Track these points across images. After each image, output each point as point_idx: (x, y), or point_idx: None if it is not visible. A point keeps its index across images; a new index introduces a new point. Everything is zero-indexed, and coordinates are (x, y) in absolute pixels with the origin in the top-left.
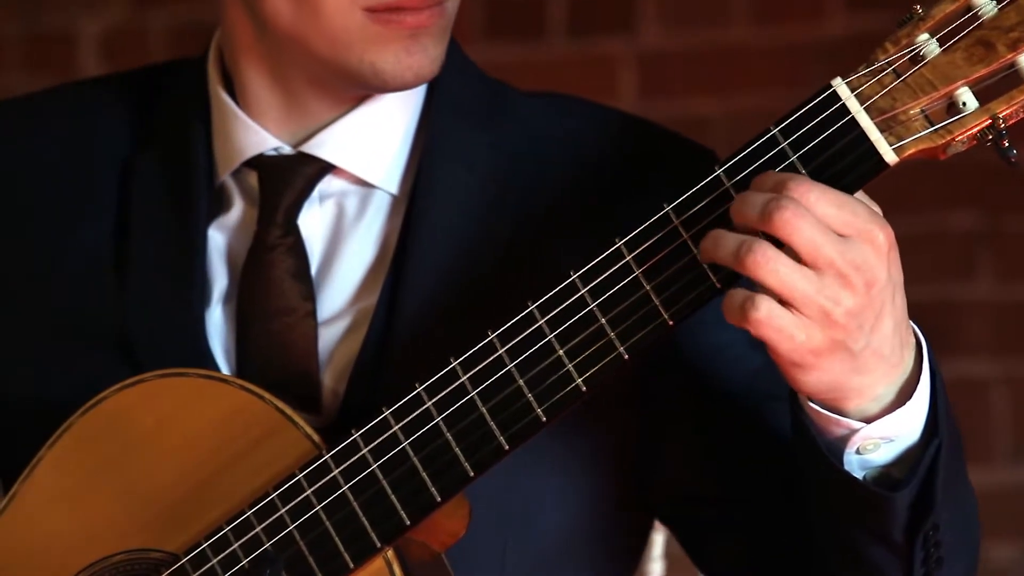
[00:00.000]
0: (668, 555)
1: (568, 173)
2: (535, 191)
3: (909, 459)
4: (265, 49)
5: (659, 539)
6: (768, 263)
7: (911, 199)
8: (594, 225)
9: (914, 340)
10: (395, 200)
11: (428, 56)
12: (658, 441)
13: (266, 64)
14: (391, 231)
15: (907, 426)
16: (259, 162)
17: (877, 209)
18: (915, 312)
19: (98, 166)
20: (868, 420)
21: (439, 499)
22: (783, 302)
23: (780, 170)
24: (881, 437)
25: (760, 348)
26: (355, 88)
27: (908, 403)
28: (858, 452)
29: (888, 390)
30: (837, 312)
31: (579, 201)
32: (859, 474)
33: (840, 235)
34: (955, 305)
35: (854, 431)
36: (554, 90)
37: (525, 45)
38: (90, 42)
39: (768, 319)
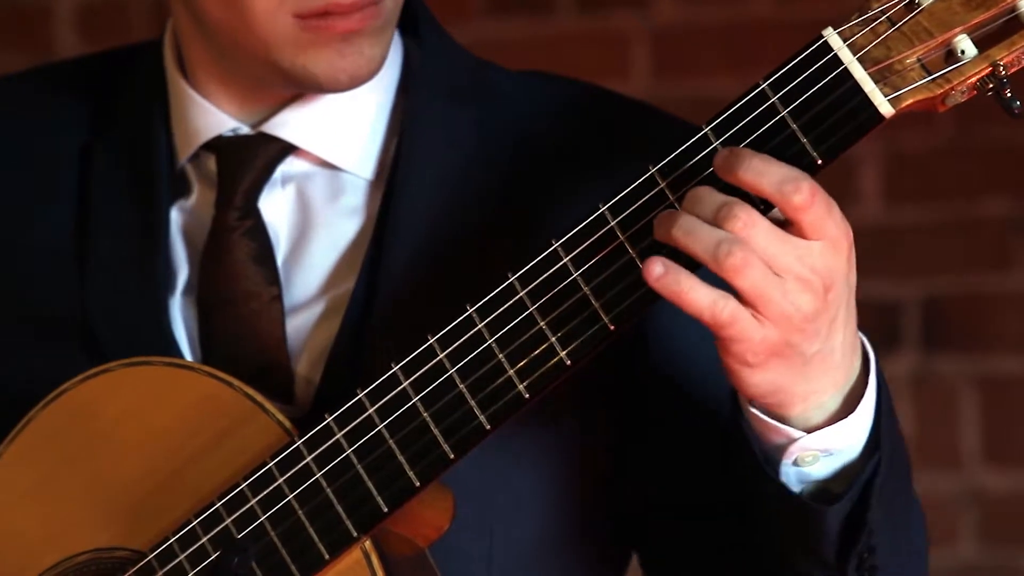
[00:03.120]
0: None
1: (552, 149)
2: (520, 168)
3: (849, 475)
4: (206, 41)
5: None
6: (747, 268)
7: (940, 185)
8: (580, 201)
9: (860, 349)
10: (370, 184)
11: (364, 57)
12: (628, 445)
13: (209, 54)
14: (367, 215)
15: (848, 439)
16: (217, 144)
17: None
18: (945, 306)
19: (56, 153)
20: (810, 430)
21: (417, 484)
22: (744, 300)
23: (771, 125)
24: (820, 449)
25: None
26: (292, 87)
27: (851, 415)
28: (795, 463)
29: (834, 399)
30: (797, 317)
31: (565, 178)
32: (796, 487)
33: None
34: (987, 298)
35: (792, 440)
36: (562, 69)
37: (532, 21)
38: (67, 18)
39: (732, 321)
